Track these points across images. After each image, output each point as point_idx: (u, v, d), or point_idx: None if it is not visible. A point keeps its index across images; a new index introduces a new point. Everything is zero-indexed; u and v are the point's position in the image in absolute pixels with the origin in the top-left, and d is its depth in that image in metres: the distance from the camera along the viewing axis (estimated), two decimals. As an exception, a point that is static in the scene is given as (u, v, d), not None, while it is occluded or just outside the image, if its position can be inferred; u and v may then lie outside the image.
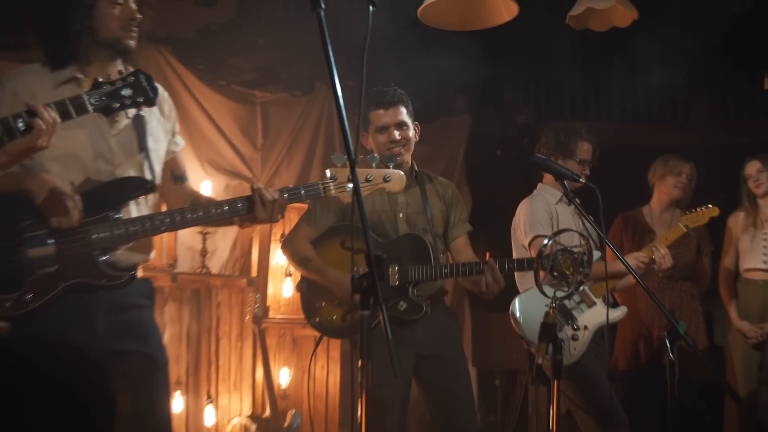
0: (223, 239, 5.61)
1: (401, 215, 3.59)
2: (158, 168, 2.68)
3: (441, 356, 3.54)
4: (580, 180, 3.49)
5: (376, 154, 2.98)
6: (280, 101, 6.09)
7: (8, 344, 0.90)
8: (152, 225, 2.53)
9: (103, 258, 2.50)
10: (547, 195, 4.14)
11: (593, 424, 3.88)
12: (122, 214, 2.54)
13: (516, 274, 4.03)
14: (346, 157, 2.13)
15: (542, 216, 4.04)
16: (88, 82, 2.42)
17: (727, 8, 7.92)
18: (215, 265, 5.45)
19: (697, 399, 5.14)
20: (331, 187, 2.67)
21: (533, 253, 3.90)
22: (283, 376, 5.07)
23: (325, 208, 3.58)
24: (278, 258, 5.20)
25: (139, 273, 2.64)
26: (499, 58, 7.02)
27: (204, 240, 5.11)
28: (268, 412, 4.59)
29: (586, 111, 7.94)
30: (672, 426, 3.33)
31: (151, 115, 2.68)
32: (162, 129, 2.72)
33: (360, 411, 1.98)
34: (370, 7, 2.16)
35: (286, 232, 5.15)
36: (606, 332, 3.88)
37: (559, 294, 2.86)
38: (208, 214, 2.57)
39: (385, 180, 2.81)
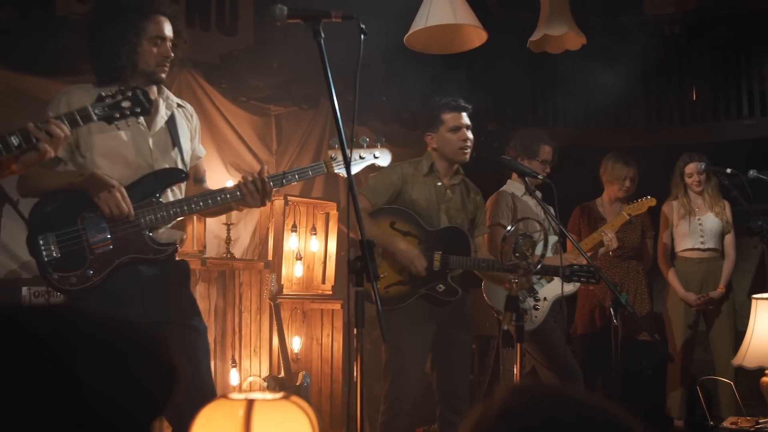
0: (245, 229, 5.63)
1: (444, 207, 3.50)
2: (188, 160, 2.75)
3: (456, 323, 3.49)
4: (539, 177, 3.52)
5: (383, 138, 2.84)
6: (291, 114, 6.10)
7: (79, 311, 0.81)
8: (189, 207, 2.59)
9: (150, 235, 2.55)
10: (514, 189, 4.17)
11: (553, 378, 3.93)
12: (163, 199, 2.59)
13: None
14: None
15: (503, 208, 4.07)
16: None
17: (659, 32, 8.01)
18: (238, 250, 5.47)
19: (641, 358, 5.17)
20: (333, 166, 2.70)
21: (492, 237, 3.92)
22: (296, 344, 5.10)
23: (386, 188, 3.43)
24: (290, 244, 5.21)
25: (176, 257, 2.67)
26: (476, 78, 7.09)
27: (228, 230, 5.13)
28: (282, 373, 4.61)
29: (545, 119, 7.99)
30: (616, 380, 3.37)
31: (181, 118, 2.75)
32: (187, 128, 2.78)
33: (356, 371, 1.98)
34: (362, 36, 2.18)
35: (295, 221, 5.20)
36: (563, 302, 3.90)
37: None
38: (225, 198, 2.61)
39: (375, 157, 2.82)
